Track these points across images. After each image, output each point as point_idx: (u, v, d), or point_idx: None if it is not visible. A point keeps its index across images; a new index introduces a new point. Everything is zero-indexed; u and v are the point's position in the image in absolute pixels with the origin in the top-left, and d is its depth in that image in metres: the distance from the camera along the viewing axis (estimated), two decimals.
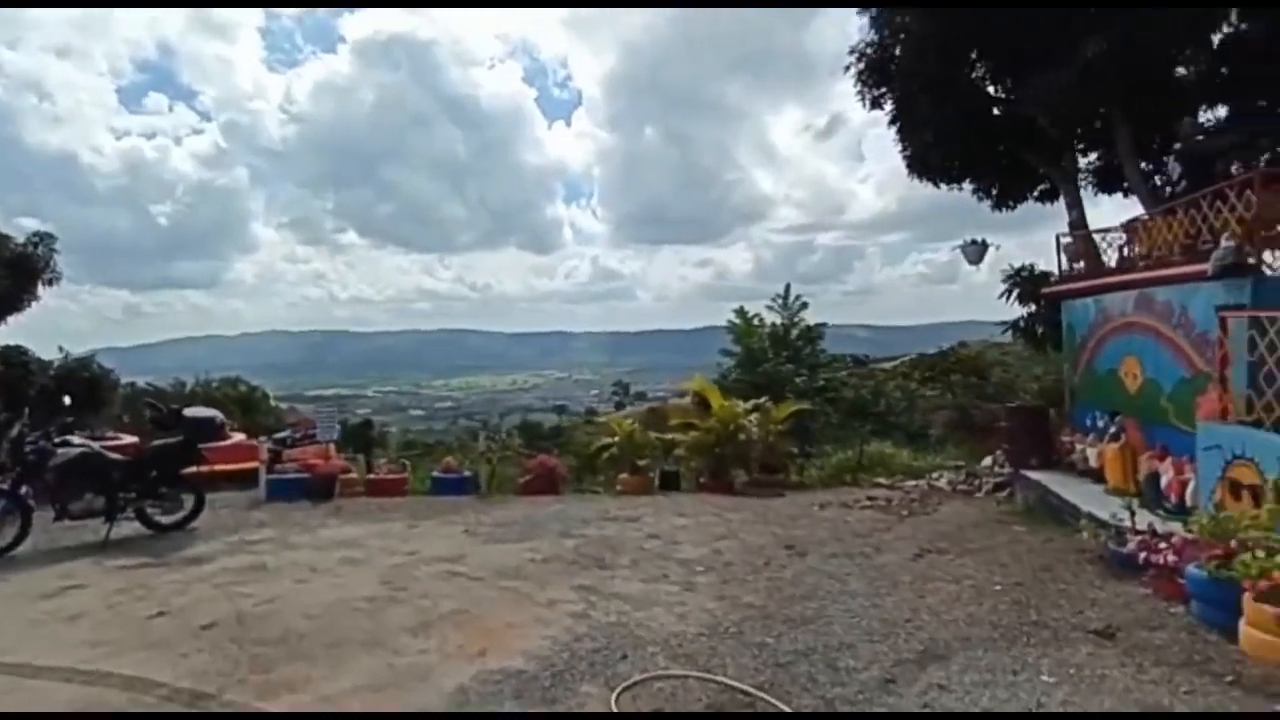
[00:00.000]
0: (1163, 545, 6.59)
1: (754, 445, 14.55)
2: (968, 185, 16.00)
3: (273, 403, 35.98)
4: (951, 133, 13.84)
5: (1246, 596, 5.25)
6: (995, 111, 13.96)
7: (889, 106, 15.12)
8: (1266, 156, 10.48)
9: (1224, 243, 7.42)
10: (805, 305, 25.80)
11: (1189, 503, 7.71)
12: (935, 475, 15.48)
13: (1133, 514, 7.41)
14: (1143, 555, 6.59)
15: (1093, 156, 15.23)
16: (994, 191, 16.12)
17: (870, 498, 12.79)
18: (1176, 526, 7.32)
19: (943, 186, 15.88)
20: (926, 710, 4.48)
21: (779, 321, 25.30)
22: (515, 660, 5.26)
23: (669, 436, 14.99)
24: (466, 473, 13.54)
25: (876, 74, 14.50)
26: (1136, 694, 4.59)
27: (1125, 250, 12.10)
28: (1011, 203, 16.51)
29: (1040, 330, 14.61)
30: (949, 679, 4.88)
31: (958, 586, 6.89)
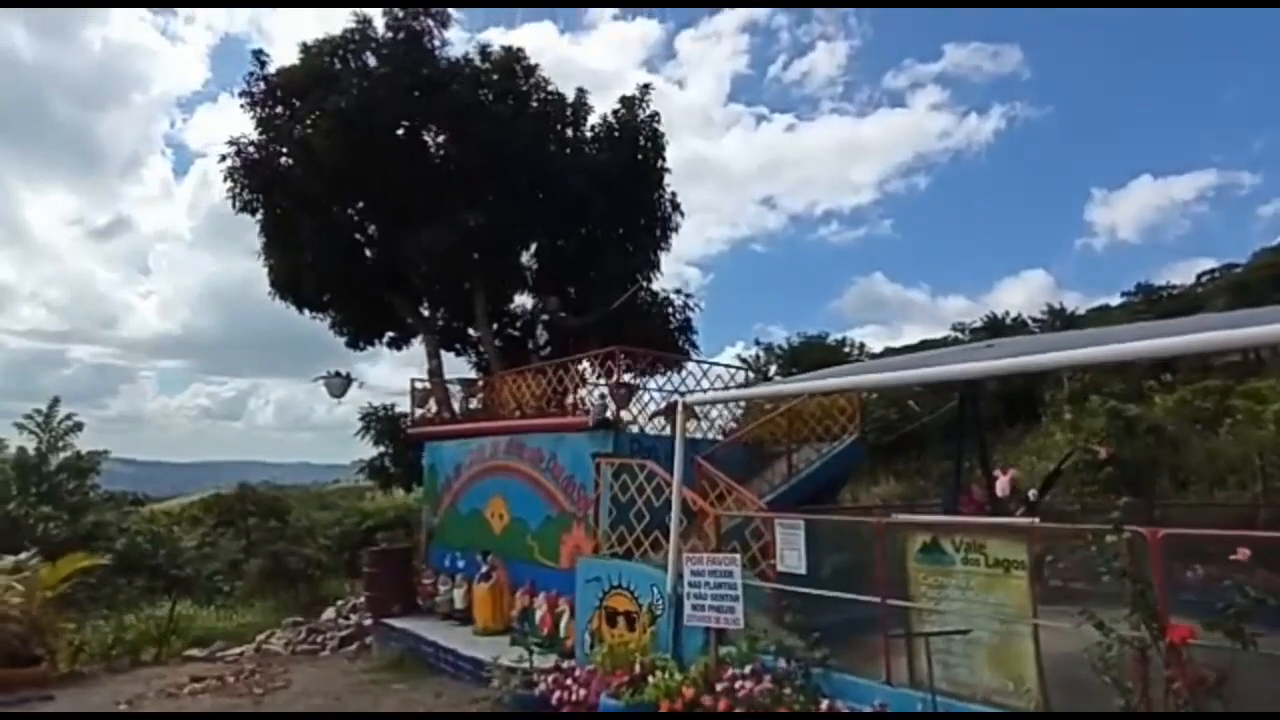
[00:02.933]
0: (569, 681, 6.86)
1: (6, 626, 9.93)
2: (326, 317, 15.57)
3: None
4: (331, 260, 13.36)
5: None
6: (369, 252, 14.17)
7: (260, 215, 13.83)
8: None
9: (597, 401, 8.87)
10: (78, 427, 20.41)
11: (563, 634, 8.39)
12: (266, 637, 13.36)
13: (532, 654, 7.61)
14: (556, 695, 6.71)
15: (438, 314, 16.86)
16: (349, 329, 16.05)
17: (197, 678, 10.03)
18: (554, 658, 7.83)
19: (306, 313, 15.05)
20: None
21: (34, 447, 19.36)
22: None
23: None
24: None
25: (255, 177, 13.11)
26: None
27: (473, 401, 13.51)
28: (363, 343, 16.66)
29: (393, 470, 14.71)
30: None
31: None
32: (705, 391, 10.62)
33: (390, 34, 12.24)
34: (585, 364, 12.07)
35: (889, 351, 35.28)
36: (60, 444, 20.15)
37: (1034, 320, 37.96)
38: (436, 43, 12.64)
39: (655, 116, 14.86)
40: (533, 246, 15.12)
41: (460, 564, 11.06)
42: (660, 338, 14.99)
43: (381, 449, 15.04)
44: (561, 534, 9.30)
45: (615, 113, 14.66)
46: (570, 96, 14.55)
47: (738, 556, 6.28)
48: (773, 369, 32.01)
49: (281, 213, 13.45)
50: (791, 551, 6.10)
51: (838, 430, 11.00)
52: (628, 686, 6.26)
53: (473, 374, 16.72)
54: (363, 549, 24.11)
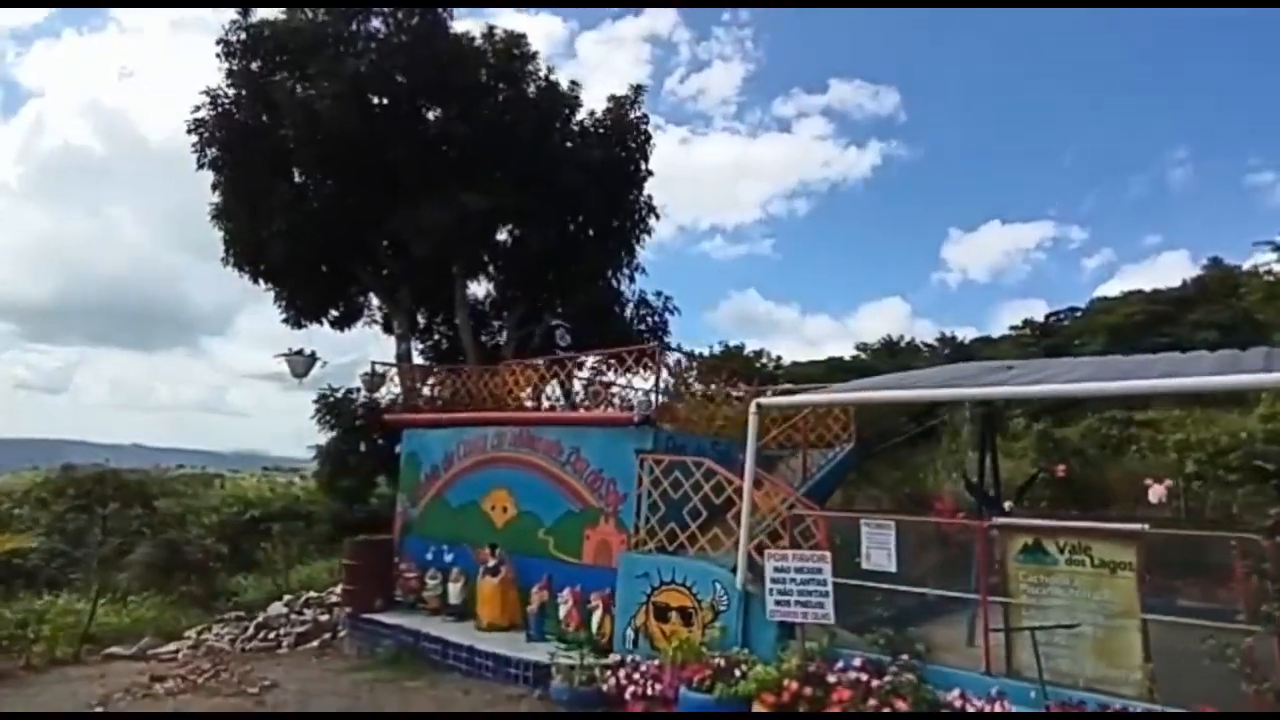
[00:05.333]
0: (636, 676, 6.82)
1: None
2: (272, 289, 14.50)
3: None
4: (307, 230, 12.47)
5: (757, 709, 5.89)
6: (347, 226, 13.32)
7: (223, 175, 12.71)
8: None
9: (641, 397, 8.84)
10: None
11: (595, 630, 8.27)
12: (199, 632, 12.25)
13: (583, 651, 7.47)
14: (630, 690, 6.65)
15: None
16: (299, 305, 15.03)
17: (157, 677, 9.10)
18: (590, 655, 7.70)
19: (259, 283, 13.94)
20: None
21: None
22: None
23: None
24: None
25: (228, 133, 12.02)
26: None
27: (433, 388, 13.05)
28: (306, 321, 15.64)
29: (351, 459, 13.83)
30: None
31: None
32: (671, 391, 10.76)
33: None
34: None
35: (794, 365, 36.93)
36: None
37: (926, 345, 41.04)
38: (446, 16, 12.13)
39: (644, 118, 14.95)
40: (505, 234, 14.81)
41: (448, 557, 10.61)
42: (636, 337, 15.07)
43: (334, 435, 14.13)
44: (585, 529, 9.16)
45: (606, 110, 14.62)
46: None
47: (827, 554, 6.49)
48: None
49: (252, 175, 12.42)
50: (880, 551, 6.39)
51: (830, 438, 11.51)
52: (710, 680, 6.32)
53: (420, 360, 16.08)
54: (245, 539, 22.37)
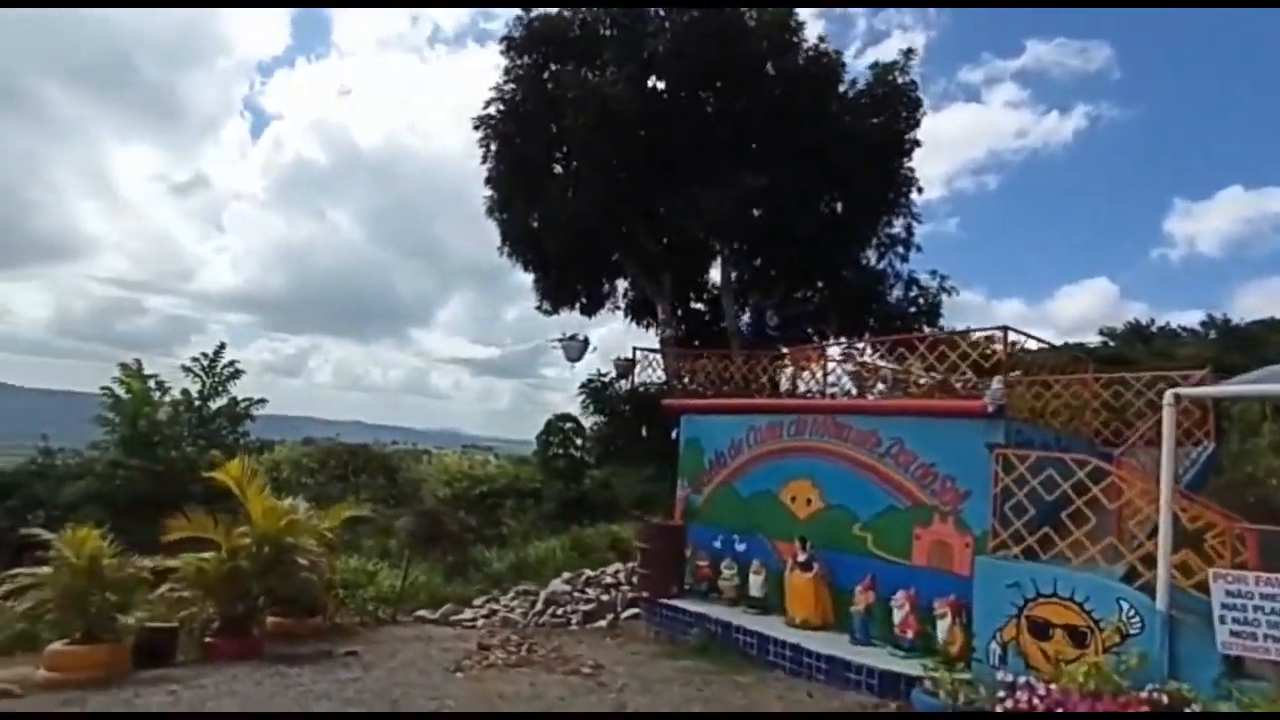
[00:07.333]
0: (1035, 701, 6.02)
1: (299, 572, 9.58)
2: (537, 276, 15.00)
3: None
4: (577, 218, 12.66)
5: None
6: (620, 213, 13.43)
7: (499, 168, 13.22)
8: None
9: (995, 385, 7.96)
10: (238, 374, 20.70)
11: (943, 639, 7.55)
12: (485, 602, 12.94)
13: (954, 666, 6.80)
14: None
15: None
16: (557, 292, 15.45)
17: (484, 645, 9.57)
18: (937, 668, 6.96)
19: (530, 271, 14.48)
20: None
21: (197, 391, 19.77)
22: None
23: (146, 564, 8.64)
24: None
25: (512, 124, 12.46)
26: None
27: (690, 375, 12.79)
28: (558, 308, 16.05)
29: (616, 443, 14.07)
30: None
31: None
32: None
33: None
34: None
35: (1023, 353, 33.54)
36: (220, 389, 20.35)
37: (1184, 329, 35.86)
38: None
39: (913, 84, 13.78)
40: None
41: (740, 547, 10.32)
42: (906, 321, 14.01)
43: (601, 418, 14.44)
44: (914, 527, 8.44)
45: (876, 77, 13.63)
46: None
47: None
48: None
49: (529, 167, 12.80)
50: None
51: (1180, 435, 9.90)
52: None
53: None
54: (475, 513, 23.69)
